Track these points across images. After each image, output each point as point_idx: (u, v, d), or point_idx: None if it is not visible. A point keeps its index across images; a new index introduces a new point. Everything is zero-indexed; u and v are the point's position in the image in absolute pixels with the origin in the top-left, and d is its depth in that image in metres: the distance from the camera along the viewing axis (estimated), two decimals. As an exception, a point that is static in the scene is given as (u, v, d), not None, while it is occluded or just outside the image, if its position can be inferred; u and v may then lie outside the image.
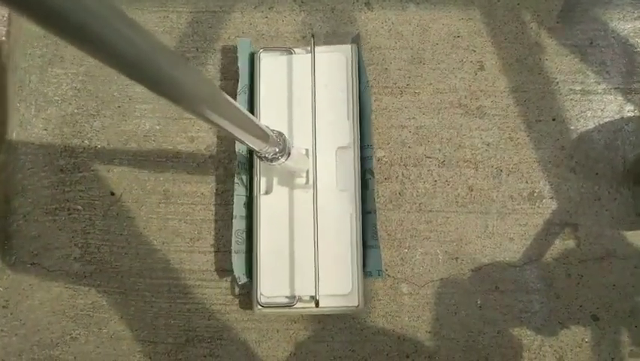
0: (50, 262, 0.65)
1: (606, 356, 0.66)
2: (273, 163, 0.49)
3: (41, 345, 0.64)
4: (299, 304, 0.60)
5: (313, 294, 0.59)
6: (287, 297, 0.61)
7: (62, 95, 0.68)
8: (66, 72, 0.68)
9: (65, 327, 0.64)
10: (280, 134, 0.48)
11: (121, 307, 0.64)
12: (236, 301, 0.65)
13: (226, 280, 0.65)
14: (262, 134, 0.44)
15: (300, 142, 0.63)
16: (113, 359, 0.64)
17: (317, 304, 0.58)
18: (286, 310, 0.61)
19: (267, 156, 0.47)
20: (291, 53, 0.66)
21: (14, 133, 0.67)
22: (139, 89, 0.68)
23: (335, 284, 0.60)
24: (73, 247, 0.65)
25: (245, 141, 0.42)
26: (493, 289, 0.66)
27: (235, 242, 0.61)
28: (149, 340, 0.64)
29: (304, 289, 0.60)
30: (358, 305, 0.61)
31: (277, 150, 0.48)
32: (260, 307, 0.60)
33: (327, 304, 0.59)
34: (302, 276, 0.61)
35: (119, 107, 0.68)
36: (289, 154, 0.50)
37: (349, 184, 0.63)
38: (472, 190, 0.68)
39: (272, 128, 0.47)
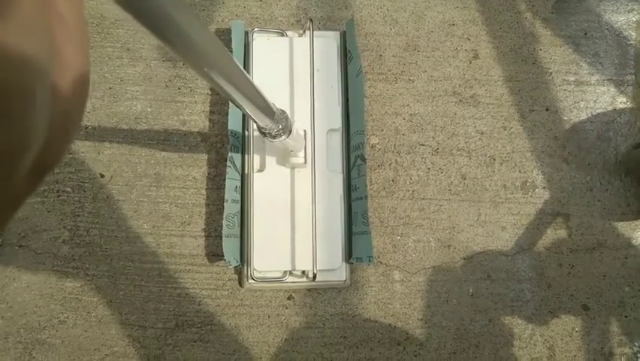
0: (38, 245, 0.64)
1: (596, 345, 0.66)
2: (275, 140, 0.49)
3: (28, 328, 0.63)
4: (290, 279, 0.62)
5: (305, 269, 0.61)
6: (278, 272, 0.62)
7: (53, 76, 0.67)
8: (57, 52, 0.67)
9: (53, 310, 0.63)
10: (283, 111, 0.49)
11: (110, 291, 0.64)
12: (227, 286, 0.64)
13: (217, 265, 0.64)
14: (269, 110, 0.44)
15: (296, 123, 0.63)
16: (101, 343, 0.63)
17: (314, 278, 0.59)
18: (278, 284, 0.62)
19: (270, 132, 0.48)
20: (284, 36, 0.66)
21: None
22: (130, 71, 0.67)
23: (326, 259, 0.61)
24: (62, 229, 0.64)
25: (252, 115, 0.42)
26: (484, 278, 0.66)
27: (226, 226, 0.61)
28: (138, 324, 0.63)
29: (296, 264, 0.61)
30: (345, 280, 0.63)
31: (280, 126, 0.48)
32: (252, 280, 0.61)
33: (318, 278, 0.61)
34: (294, 251, 0.61)
35: (110, 88, 0.67)
36: (290, 132, 0.50)
37: (338, 165, 0.65)
38: (465, 178, 0.68)
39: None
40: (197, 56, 0.27)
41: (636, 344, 0.67)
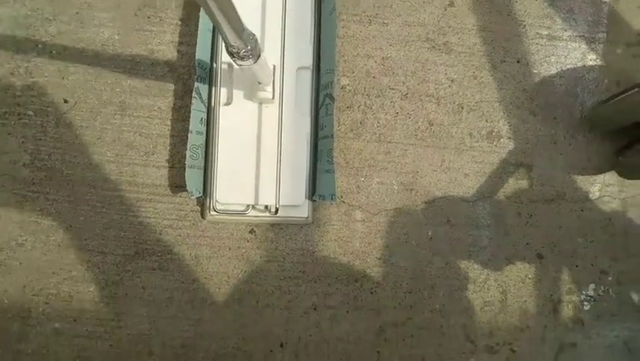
0: (-3, 166, 0.63)
1: (546, 292, 0.69)
2: (242, 63, 0.49)
3: (-15, 249, 0.62)
4: (252, 213, 0.62)
5: (268, 203, 0.61)
6: (241, 205, 0.63)
7: (15, -6, 0.65)
8: (20, -30, 0.65)
9: (11, 232, 0.63)
10: (253, 34, 0.48)
11: (70, 216, 0.63)
12: (189, 217, 0.65)
13: (180, 196, 0.65)
14: (239, 25, 0.43)
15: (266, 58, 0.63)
16: (59, 267, 0.63)
17: (277, 212, 0.60)
18: (239, 217, 0.62)
19: (238, 52, 0.47)
20: None
21: (-38, 29, 0.64)
22: (98, -6, 0.66)
23: (289, 195, 0.62)
24: (22, 152, 0.63)
25: (222, 27, 0.42)
26: (444, 222, 0.68)
27: (190, 156, 0.60)
28: (97, 250, 0.63)
29: (259, 198, 0.62)
30: (308, 217, 0.64)
31: (249, 47, 0.47)
32: (214, 212, 0.61)
33: (281, 213, 0.62)
34: (257, 186, 0.62)
35: (77, 13, 0.65)
36: (258, 57, 0.50)
37: (306, 103, 0.65)
38: (432, 125, 0.68)
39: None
40: None
41: (584, 292, 0.69)
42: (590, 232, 0.70)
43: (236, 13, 0.42)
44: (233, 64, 0.50)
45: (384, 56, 0.69)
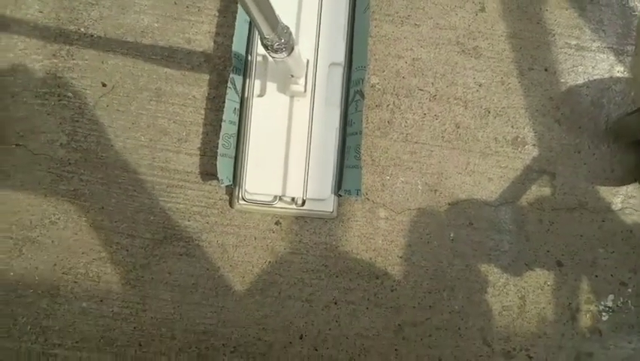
0: (35, 145, 0.65)
1: (564, 300, 0.69)
2: (276, 55, 0.50)
3: (20, 225, 0.64)
4: (279, 204, 0.63)
5: (295, 195, 0.62)
6: (269, 196, 0.64)
7: (62, -21, 0.67)
8: (68, -44, 0.67)
9: (45, 211, 0.64)
10: (287, 27, 0.49)
11: (103, 198, 0.65)
12: (218, 205, 0.66)
13: (210, 184, 0.66)
14: (273, 19, 0.45)
15: (301, 52, 0.64)
16: (90, 247, 0.64)
17: (303, 204, 0.62)
18: (266, 208, 0.64)
19: (272, 44, 0.49)
20: None
21: (8, 10, 0.66)
22: (141, -16, 0.68)
23: (316, 189, 0.63)
24: (60, 133, 0.65)
25: (256, 20, 0.43)
26: (466, 225, 0.69)
27: (222, 145, 0.62)
28: (127, 233, 0.65)
29: (286, 190, 0.63)
30: (332, 211, 0.65)
31: (283, 40, 0.49)
32: (243, 201, 0.62)
33: (307, 206, 0.63)
34: (285, 177, 0.63)
35: None
36: (292, 50, 0.51)
37: (337, 99, 0.66)
38: (458, 127, 0.69)
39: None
40: None
41: (602, 303, 0.70)
42: (610, 242, 0.70)
43: (270, 7, 0.43)
44: (268, 56, 0.51)
45: (414, 57, 0.70)
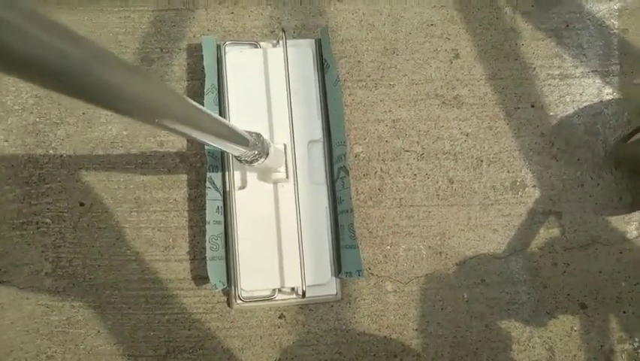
0: (20, 279, 0.62)
1: (595, 343, 0.65)
2: (253, 164, 0.48)
3: (15, 365, 0.61)
4: (279, 296, 0.60)
5: (294, 285, 0.60)
6: (267, 290, 0.61)
7: (22, 104, 0.65)
8: (26, 80, 0.65)
9: (40, 346, 0.62)
10: (258, 135, 0.47)
11: (97, 322, 0.62)
12: (217, 309, 0.63)
13: (205, 288, 0.63)
14: (242, 140, 0.43)
15: (275, 137, 0.62)
16: (91, 375, 0.61)
17: (304, 295, 0.58)
18: (267, 302, 0.61)
19: (247, 159, 0.47)
20: (257, 47, 0.64)
21: (-26, 147, 0.64)
22: (103, 95, 0.66)
23: (314, 274, 0.60)
24: (43, 262, 0.63)
25: (224, 149, 0.41)
26: (478, 283, 0.65)
27: (210, 248, 0.59)
28: (128, 354, 0.62)
29: (284, 280, 0.60)
30: (336, 293, 0.62)
31: (256, 152, 0.47)
32: (240, 301, 0.59)
33: (308, 294, 0.60)
34: (281, 268, 0.60)
35: (84, 113, 0.65)
36: (268, 154, 0.49)
37: (321, 177, 0.63)
38: (452, 182, 0.66)
39: (248, 130, 0.45)
40: (142, 110, 0.25)
41: (636, 339, 0.66)
42: (632, 274, 0.66)
43: (233, 130, 0.41)
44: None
45: (394, 118, 0.67)
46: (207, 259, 0.58)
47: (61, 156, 0.65)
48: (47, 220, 0.63)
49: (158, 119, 0.26)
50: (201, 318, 0.63)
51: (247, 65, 0.63)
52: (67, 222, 0.63)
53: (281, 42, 0.63)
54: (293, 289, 0.61)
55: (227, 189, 0.63)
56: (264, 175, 0.62)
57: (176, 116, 0.28)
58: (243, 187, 0.63)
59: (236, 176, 0.63)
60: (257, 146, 0.46)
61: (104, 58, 0.20)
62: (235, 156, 0.46)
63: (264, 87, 0.64)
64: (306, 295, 0.60)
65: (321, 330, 0.63)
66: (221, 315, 0.63)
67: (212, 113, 0.35)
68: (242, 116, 0.62)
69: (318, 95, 0.65)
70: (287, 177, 0.61)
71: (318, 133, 0.64)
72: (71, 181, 0.64)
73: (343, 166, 0.62)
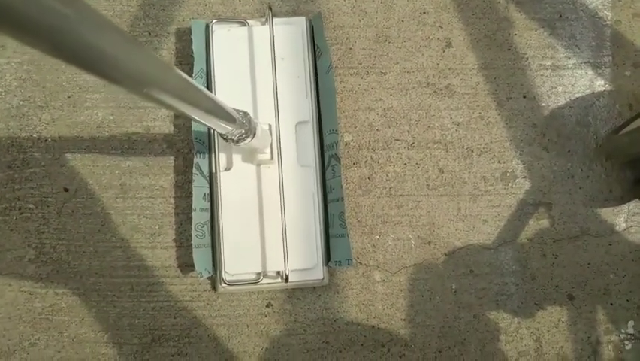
0: (2, 266, 0.61)
1: (582, 335, 0.65)
2: (239, 144, 0.47)
3: (-3, 353, 0.60)
4: (265, 280, 0.59)
5: (279, 269, 0.59)
6: (252, 273, 0.60)
7: (6, 87, 0.64)
8: (9, 61, 0.64)
9: (23, 333, 0.61)
10: (245, 114, 0.46)
11: (81, 309, 0.61)
12: (203, 297, 0.62)
13: (191, 276, 0.62)
14: (229, 117, 0.42)
15: (260, 117, 0.61)
16: (74, 363, 0.61)
17: (287, 279, 0.57)
18: (251, 286, 0.60)
19: (233, 138, 0.46)
20: (245, 25, 0.63)
21: (-45, 129, 0.63)
22: (89, 78, 0.64)
23: (301, 258, 0.59)
24: (27, 248, 0.62)
25: (211, 126, 0.40)
26: (467, 273, 0.65)
27: (195, 236, 0.58)
28: (113, 341, 0.61)
29: (270, 265, 0.59)
30: (323, 278, 0.61)
31: (243, 131, 0.46)
32: (225, 285, 0.58)
33: (293, 278, 0.59)
34: (267, 252, 0.59)
35: (69, 97, 0.64)
36: (254, 134, 0.48)
37: (310, 160, 0.62)
38: (443, 172, 0.66)
39: (236, 108, 0.44)
40: (131, 78, 0.24)
41: (623, 331, 0.66)
42: (620, 266, 0.66)
43: (221, 106, 0.40)
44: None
45: (385, 106, 0.67)
46: (193, 246, 0.58)
47: (46, 140, 0.63)
48: (31, 205, 0.62)
49: (147, 89, 0.25)
50: (187, 306, 0.62)
51: (234, 43, 0.62)
52: (51, 207, 0.62)
53: (268, 19, 0.61)
54: (279, 273, 0.60)
55: (214, 170, 0.61)
56: (251, 157, 0.61)
57: (165, 87, 0.27)
58: (228, 169, 0.61)
59: (222, 157, 0.62)
60: (244, 124, 0.45)
61: (95, 19, 0.20)
62: (221, 134, 0.45)
63: (249, 66, 0.62)
64: (292, 279, 0.59)
65: (308, 319, 0.62)
66: (208, 303, 0.62)
67: (201, 87, 0.34)
68: (227, 94, 0.61)
69: (309, 76, 0.63)
70: (271, 158, 0.60)
71: (307, 114, 0.62)
72: (56, 166, 0.63)
73: (335, 154, 0.61)
